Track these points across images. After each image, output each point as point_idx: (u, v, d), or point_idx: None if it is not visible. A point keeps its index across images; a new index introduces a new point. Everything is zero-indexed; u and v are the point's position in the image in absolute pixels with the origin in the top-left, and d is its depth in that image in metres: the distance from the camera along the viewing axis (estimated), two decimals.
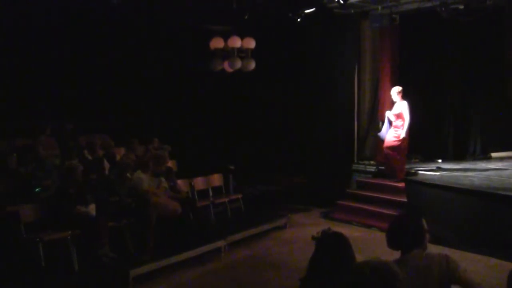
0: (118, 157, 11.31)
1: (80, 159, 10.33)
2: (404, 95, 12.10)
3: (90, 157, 10.91)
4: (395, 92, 12.18)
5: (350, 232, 10.63)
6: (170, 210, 9.58)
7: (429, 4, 12.42)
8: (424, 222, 4.16)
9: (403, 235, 4.06)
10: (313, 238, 3.91)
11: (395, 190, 12.16)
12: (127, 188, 9.60)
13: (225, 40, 13.06)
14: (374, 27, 13.82)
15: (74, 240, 8.34)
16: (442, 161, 14.19)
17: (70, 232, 8.30)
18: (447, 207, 10.44)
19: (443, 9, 11.84)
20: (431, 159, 14.33)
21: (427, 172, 12.65)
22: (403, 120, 12.02)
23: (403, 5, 13.16)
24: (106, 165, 10.73)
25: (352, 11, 13.64)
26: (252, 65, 13.21)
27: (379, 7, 13.39)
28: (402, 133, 12.00)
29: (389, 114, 12.30)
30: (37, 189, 9.27)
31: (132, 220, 9.24)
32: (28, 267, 8.03)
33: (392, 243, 4.11)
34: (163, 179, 10.23)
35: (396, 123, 12.17)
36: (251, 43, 13.08)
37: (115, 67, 13.29)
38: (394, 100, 12.21)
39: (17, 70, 11.79)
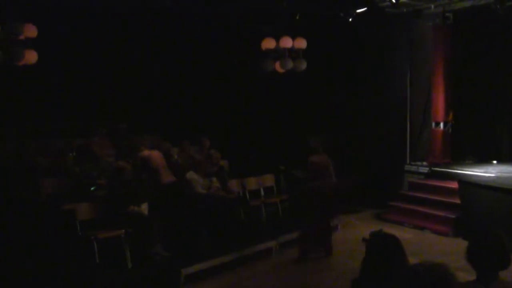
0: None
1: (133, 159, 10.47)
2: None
3: None
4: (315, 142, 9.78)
5: (402, 233, 10.51)
6: None
7: (484, 1, 12.20)
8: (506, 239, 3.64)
9: (484, 255, 3.59)
10: (364, 240, 3.89)
11: (449, 192, 11.96)
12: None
13: (277, 40, 13.06)
14: (427, 26, 13.65)
15: (128, 238, 8.52)
16: (497, 162, 13.86)
17: (123, 230, 8.49)
18: (502, 210, 10.20)
19: (498, 6, 11.61)
20: (485, 160, 14.02)
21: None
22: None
23: (457, 2, 12.96)
24: None
25: (404, 10, 13.48)
26: (304, 65, 13.16)
27: (432, 6, 13.22)
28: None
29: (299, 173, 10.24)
30: (92, 188, 9.46)
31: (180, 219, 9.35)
32: (83, 264, 8.20)
33: (474, 265, 3.65)
34: (214, 179, 10.33)
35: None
36: (302, 43, 13.02)
37: (167, 68, 13.48)
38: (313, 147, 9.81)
39: (73, 72, 12.07)
